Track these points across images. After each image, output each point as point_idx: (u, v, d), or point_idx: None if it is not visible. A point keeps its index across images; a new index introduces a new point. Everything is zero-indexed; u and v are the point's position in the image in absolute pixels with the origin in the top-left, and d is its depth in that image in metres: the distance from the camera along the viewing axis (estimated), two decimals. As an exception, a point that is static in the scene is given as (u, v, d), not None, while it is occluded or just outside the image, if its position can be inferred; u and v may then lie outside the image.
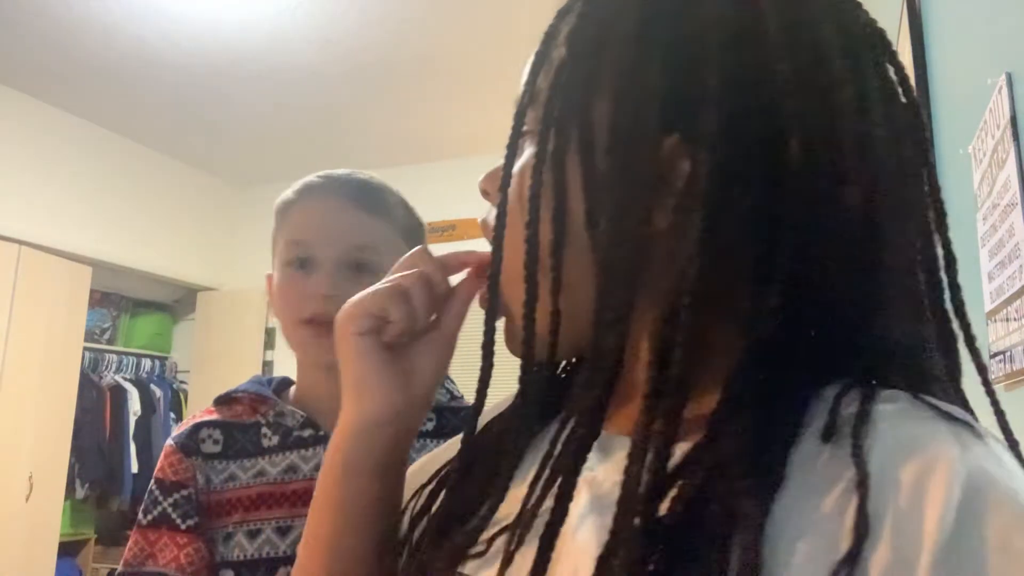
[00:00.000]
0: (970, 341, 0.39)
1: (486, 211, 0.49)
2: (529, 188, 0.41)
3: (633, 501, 0.33)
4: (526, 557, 0.36)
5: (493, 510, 0.41)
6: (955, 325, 0.39)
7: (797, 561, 0.30)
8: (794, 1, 0.38)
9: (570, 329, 0.41)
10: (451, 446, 0.54)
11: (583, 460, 0.37)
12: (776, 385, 0.34)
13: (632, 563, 0.32)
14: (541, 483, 0.38)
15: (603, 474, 0.40)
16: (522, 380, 0.45)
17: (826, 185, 0.36)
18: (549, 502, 0.37)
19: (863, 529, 0.29)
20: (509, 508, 0.40)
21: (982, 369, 0.39)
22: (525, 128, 0.44)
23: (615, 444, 0.41)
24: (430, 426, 0.87)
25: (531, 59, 0.45)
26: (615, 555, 0.32)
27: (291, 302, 0.84)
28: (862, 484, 0.30)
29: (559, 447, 0.38)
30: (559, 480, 0.37)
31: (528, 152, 0.43)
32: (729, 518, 0.31)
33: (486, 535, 0.40)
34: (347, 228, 0.85)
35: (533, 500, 0.38)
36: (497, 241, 0.43)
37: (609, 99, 0.39)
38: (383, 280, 0.50)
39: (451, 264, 0.51)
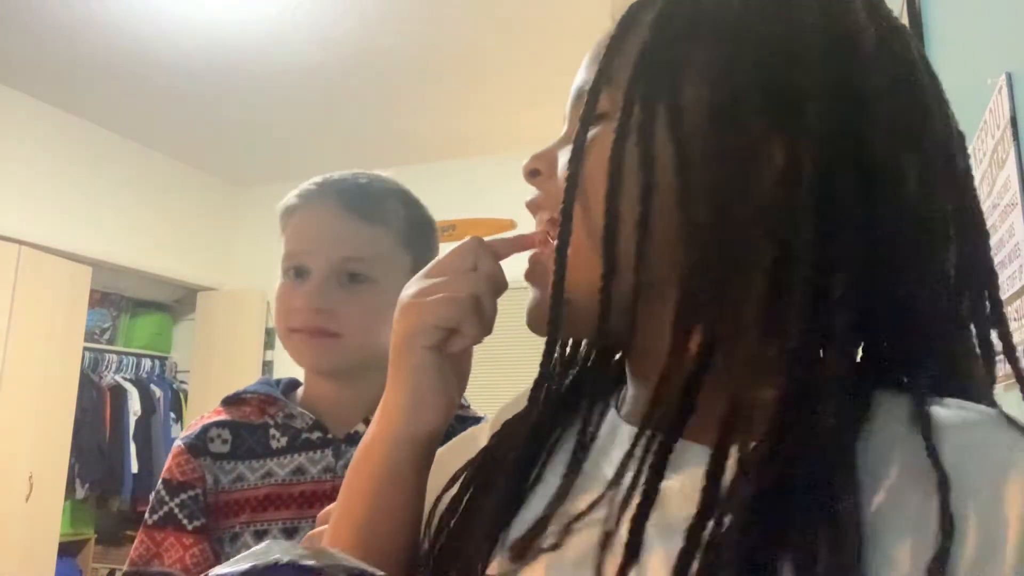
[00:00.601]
0: (1010, 351, 0.41)
1: (533, 194, 0.49)
2: (610, 161, 0.41)
3: (714, 505, 0.34)
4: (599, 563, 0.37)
5: (556, 503, 0.41)
6: (994, 335, 0.41)
7: (892, 555, 0.32)
8: (885, 19, 0.42)
9: (624, 308, 0.41)
10: (454, 448, 0.53)
11: (664, 467, 0.38)
12: (840, 382, 0.35)
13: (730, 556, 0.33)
14: (623, 490, 0.38)
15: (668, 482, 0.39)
16: (541, 380, 0.46)
17: (913, 189, 0.38)
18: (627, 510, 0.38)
19: (949, 527, 0.31)
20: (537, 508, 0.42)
21: (1022, 379, 0.40)
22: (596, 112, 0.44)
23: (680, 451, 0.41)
24: None
25: (603, 44, 0.45)
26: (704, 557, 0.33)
27: (282, 311, 0.85)
28: (943, 484, 0.32)
29: (639, 452, 0.39)
30: (641, 486, 0.37)
31: (600, 129, 0.43)
32: (824, 512, 0.32)
33: (552, 536, 0.40)
34: (338, 238, 0.84)
35: (616, 507, 0.38)
36: (567, 216, 0.42)
37: (703, 84, 0.40)
38: (440, 279, 0.47)
39: (503, 254, 0.49)
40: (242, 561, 0.30)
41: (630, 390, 0.47)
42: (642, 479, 0.38)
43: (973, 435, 0.35)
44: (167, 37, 3.19)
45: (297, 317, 0.83)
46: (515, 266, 0.49)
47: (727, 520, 0.34)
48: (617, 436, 0.45)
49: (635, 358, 0.47)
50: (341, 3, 2.94)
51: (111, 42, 3.23)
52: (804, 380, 0.35)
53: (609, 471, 0.41)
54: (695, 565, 0.34)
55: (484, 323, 0.46)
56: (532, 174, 0.47)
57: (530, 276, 0.47)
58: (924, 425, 0.35)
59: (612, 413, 0.47)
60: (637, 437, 0.39)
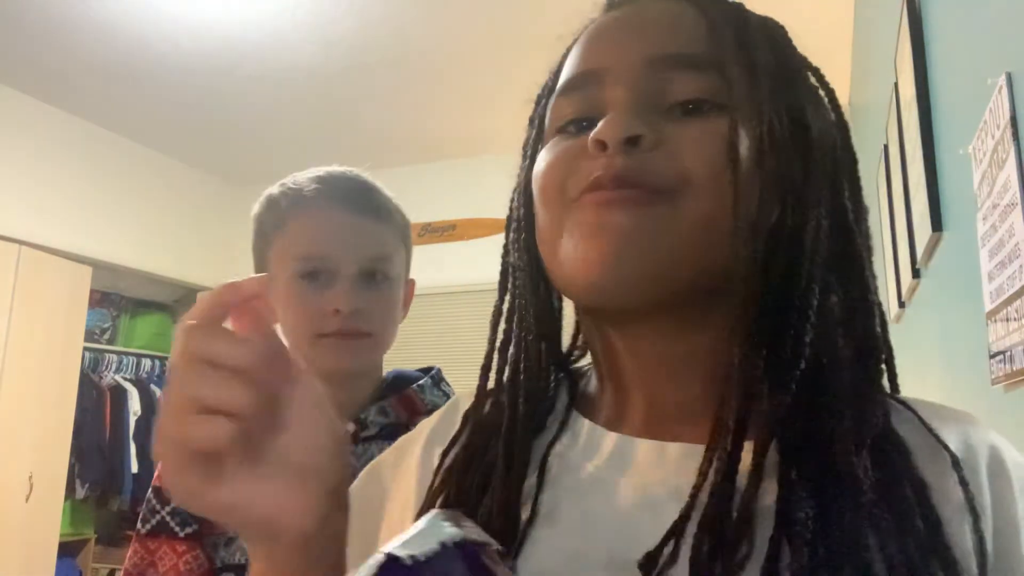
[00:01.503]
0: (890, 357, 0.47)
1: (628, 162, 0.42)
2: (759, 154, 0.42)
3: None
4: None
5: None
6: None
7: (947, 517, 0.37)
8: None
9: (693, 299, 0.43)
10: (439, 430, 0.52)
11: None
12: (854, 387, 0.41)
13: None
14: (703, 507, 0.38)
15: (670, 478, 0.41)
16: (524, 380, 0.46)
17: (858, 215, 0.46)
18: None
19: (971, 496, 0.37)
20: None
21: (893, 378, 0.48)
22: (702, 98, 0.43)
23: (669, 451, 0.42)
24: None
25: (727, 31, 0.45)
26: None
27: (310, 317, 0.82)
28: (956, 464, 0.38)
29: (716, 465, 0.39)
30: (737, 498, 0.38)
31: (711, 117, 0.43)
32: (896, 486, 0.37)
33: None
34: (362, 240, 0.84)
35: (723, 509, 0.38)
36: (740, 187, 0.41)
37: (817, 119, 0.46)
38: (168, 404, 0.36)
39: (218, 314, 0.38)
40: (420, 539, 0.29)
41: (608, 397, 0.47)
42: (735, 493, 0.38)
43: (959, 425, 0.42)
44: (167, 37, 3.19)
45: (330, 321, 0.82)
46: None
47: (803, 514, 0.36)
48: (602, 446, 0.44)
49: (633, 362, 0.45)
50: (341, 3, 2.94)
51: (111, 42, 3.23)
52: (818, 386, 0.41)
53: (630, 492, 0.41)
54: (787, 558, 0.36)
55: (219, 419, 0.35)
56: (632, 142, 0.40)
57: (632, 214, 0.40)
58: (919, 415, 0.42)
59: (586, 423, 0.46)
60: (711, 451, 0.39)
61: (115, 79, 3.56)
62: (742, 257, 0.40)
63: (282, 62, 3.38)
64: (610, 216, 0.40)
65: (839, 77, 3.44)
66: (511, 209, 0.51)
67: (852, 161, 0.47)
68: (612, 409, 0.47)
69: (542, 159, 0.45)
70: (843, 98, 4.02)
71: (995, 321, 0.92)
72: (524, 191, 0.49)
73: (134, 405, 4.37)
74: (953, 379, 1.34)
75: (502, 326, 0.50)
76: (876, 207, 2.51)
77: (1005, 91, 0.85)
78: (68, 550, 3.97)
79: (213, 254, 4.84)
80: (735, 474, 0.37)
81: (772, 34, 0.47)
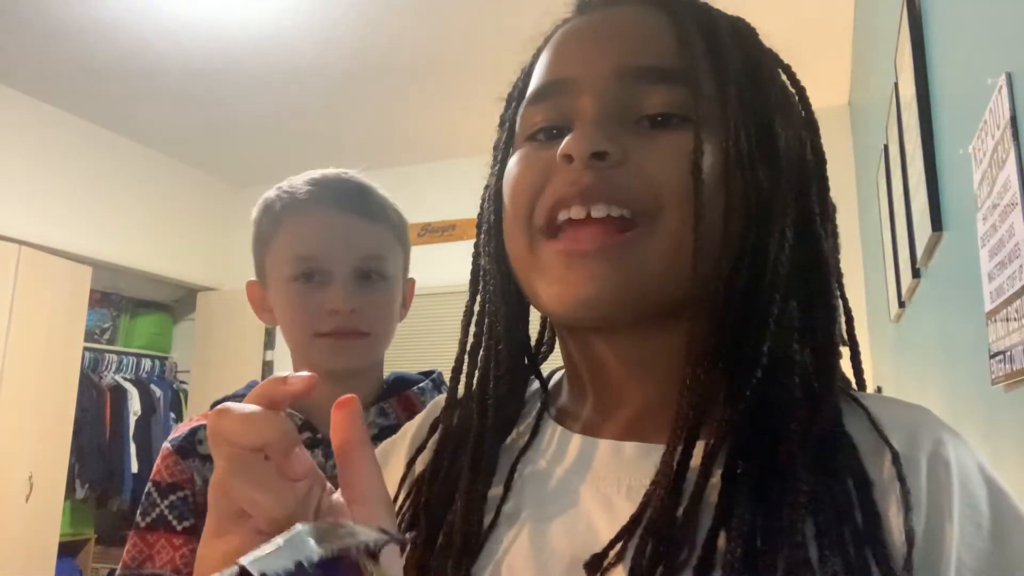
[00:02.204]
0: (855, 354, 0.49)
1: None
2: (731, 170, 0.43)
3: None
4: None
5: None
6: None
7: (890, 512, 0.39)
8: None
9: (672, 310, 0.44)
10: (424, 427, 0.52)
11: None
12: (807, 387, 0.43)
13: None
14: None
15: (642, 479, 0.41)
16: (496, 386, 0.47)
17: (824, 216, 0.47)
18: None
19: (906, 491, 0.38)
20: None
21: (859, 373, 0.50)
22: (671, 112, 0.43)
23: (643, 452, 0.42)
24: None
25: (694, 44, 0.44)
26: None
27: (307, 317, 0.84)
28: (896, 460, 0.39)
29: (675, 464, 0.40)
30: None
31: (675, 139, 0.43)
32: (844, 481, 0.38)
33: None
34: (356, 240, 0.85)
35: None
36: (700, 204, 0.41)
37: (786, 128, 0.46)
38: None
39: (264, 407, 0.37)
40: (276, 556, 0.28)
41: (580, 400, 0.48)
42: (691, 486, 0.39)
43: (906, 418, 0.43)
44: (167, 37, 3.19)
45: (327, 321, 0.83)
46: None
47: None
48: (568, 449, 0.45)
49: (605, 365, 0.46)
50: (341, 3, 2.94)
51: (111, 42, 3.23)
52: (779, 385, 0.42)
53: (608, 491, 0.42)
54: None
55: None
56: (598, 156, 0.41)
57: (602, 257, 0.41)
58: (869, 411, 0.42)
59: (558, 428, 0.47)
60: (675, 449, 0.40)
61: (115, 79, 3.56)
62: (702, 274, 0.41)
63: (282, 62, 3.38)
64: (582, 267, 0.41)
65: (839, 77, 3.44)
66: (482, 209, 0.52)
67: (821, 162, 0.48)
68: (585, 412, 0.47)
69: (513, 168, 0.46)
70: (843, 98, 3.99)
71: (995, 321, 0.92)
72: (495, 196, 0.49)
73: (134, 405, 4.37)
74: (953, 379, 1.34)
75: (472, 328, 0.50)
76: (876, 207, 2.50)
77: (1005, 91, 0.85)
78: (68, 550, 3.97)
79: (213, 254, 4.84)
80: (683, 477, 0.38)
81: (742, 38, 0.47)
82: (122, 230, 4.23)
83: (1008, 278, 0.86)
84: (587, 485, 0.42)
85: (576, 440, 0.45)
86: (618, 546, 0.38)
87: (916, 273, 1.70)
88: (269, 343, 4.53)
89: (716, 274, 0.41)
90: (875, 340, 3.09)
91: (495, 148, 0.52)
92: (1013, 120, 0.83)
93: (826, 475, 0.38)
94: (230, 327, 4.56)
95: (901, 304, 2.01)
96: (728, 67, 0.44)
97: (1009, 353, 0.86)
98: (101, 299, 4.62)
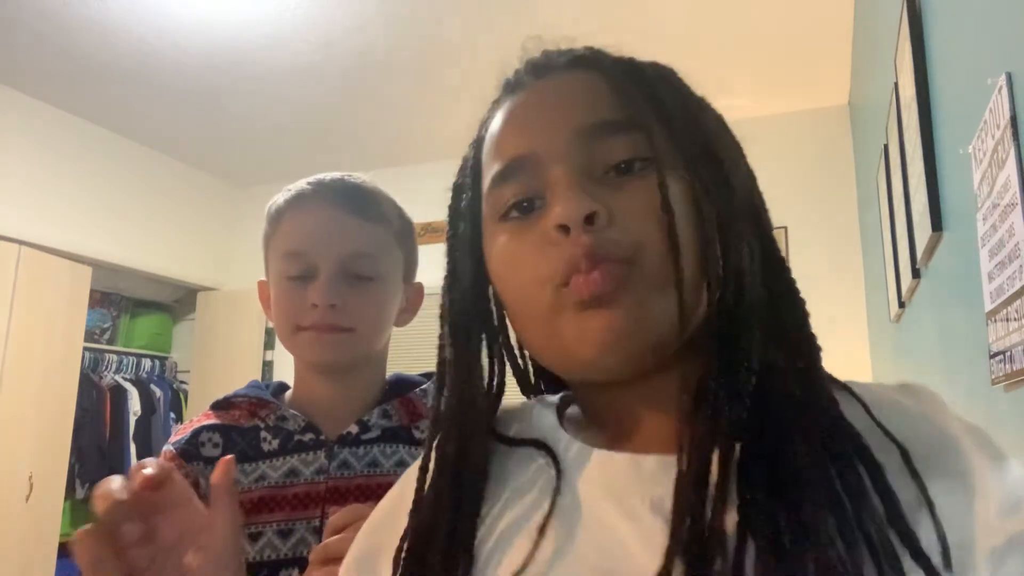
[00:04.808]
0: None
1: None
2: (701, 205, 0.45)
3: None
4: None
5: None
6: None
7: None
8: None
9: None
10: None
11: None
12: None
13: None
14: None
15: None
16: (485, 408, 0.49)
17: (763, 211, 0.49)
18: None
19: (923, 486, 0.40)
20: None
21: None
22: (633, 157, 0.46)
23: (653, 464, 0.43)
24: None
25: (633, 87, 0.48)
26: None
27: (290, 312, 0.84)
28: (907, 458, 0.41)
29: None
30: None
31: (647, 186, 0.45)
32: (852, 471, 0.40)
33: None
34: (344, 237, 0.85)
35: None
36: (677, 251, 0.43)
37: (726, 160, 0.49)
38: None
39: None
40: None
41: (608, 425, 0.49)
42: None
43: (901, 406, 0.45)
44: (167, 37, 3.19)
45: (308, 315, 0.83)
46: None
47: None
48: (587, 465, 0.46)
49: (617, 402, 0.47)
50: (341, 3, 2.95)
51: (111, 42, 3.23)
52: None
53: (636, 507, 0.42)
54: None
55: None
56: (590, 220, 0.43)
57: (601, 300, 0.43)
58: (866, 405, 0.44)
59: (578, 443, 0.48)
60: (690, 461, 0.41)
61: (115, 79, 3.56)
62: (691, 303, 0.43)
63: (282, 62, 3.38)
64: (598, 314, 0.43)
65: (839, 77, 3.44)
66: (446, 311, 0.52)
67: (750, 171, 0.51)
68: (601, 433, 0.48)
69: (507, 254, 0.47)
70: (843, 98, 3.99)
71: (995, 321, 0.92)
72: (474, 286, 0.51)
73: (134, 405, 4.37)
74: (953, 379, 1.34)
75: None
76: (876, 207, 2.51)
77: (1005, 91, 0.85)
78: (68, 550, 3.97)
79: (213, 254, 4.85)
80: (705, 491, 0.39)
81: (667, 78, 0.50)
82: (122, 230, 4.23)
83: (1008, 278, 0.86)
84: (610, 499, 0.42)
85: (596, 455, 0.46)
86: (663, 564, 0.38)
87: (916, 273, 1.70)
88: (269, 343, 4.53)
89: (704, 298, 0.44)
90: (875, 340, 3.09)
91: (452, 244, 0.53)
92: (1013, 120, 0.83)
93: (836, 465, 0.39)
94: (230, 327, 4.56)
95: (901, 304, 2.01)
96: (666, 105, 0.47)
97: (1009, 353, 0.86)
98: (101, 299, 4.62)
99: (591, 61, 0.49)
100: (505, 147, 0.48)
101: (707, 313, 0.44)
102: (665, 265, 0.43)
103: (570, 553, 0.41)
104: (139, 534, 0.48)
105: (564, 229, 0.43)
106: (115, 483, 0.50)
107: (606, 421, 0.49)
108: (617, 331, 0.42)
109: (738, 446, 0.41)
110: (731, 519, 0.38)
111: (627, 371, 0.44)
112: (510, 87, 0.52)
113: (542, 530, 0.42)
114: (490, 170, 0.48)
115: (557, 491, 0.44)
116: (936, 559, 0.37)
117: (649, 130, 0.45)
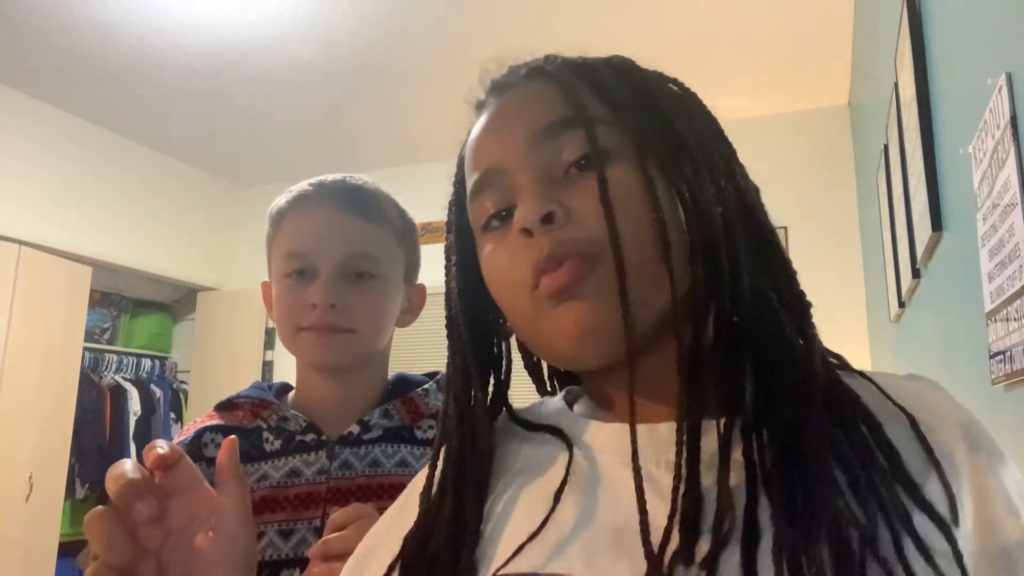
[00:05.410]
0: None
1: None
2: (649, 193, 0.46)
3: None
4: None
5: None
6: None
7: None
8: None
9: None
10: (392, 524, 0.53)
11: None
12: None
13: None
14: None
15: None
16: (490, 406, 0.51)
17: (743, 174, 0.50)
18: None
19: (931, 451, 0.42)
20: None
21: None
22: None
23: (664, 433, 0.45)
24: (431, 434, 0.87)
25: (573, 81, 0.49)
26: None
27: (290, 312, 0.84)
28: (914, 424, 0.42)
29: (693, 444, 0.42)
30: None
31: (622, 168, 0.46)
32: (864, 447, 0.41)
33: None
34: (344, 237, 0.85)
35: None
36: (617, 244, 0.44)
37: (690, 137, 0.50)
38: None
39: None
40: None
41: (616, 405, 0.50)
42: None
43: (912, 388, 0.46)
44: (167, 37, 3.19)
45: (309, 315, 0.83)
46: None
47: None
48: (599, 441, 0.47)
49: (619, 383, 0.48)
50: (341, 3, 2.95)
51: (111, 42, 3.23)
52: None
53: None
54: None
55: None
56: (547, 219, 0.45)
57: (568, 292, 0.45)
58: (876, 383, 0.45)
59: (591, 421, 0.49)
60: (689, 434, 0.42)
61: (115, 79, 3.56)
62: (642, 291, 0.44)
63: (282, 62, 3.38)
64: (569, 307, 0.45)
65: (839, 77, 3.45)
66: (451, 311, 0.54)
67: (722, 132, 0.52)
68: (612, 412, 0.50)
69: (492, 261, 0.49)
70: (843, 98, 3.99)
71: (995, 321, 0.92)
72: (460, 295, 0.53)
73: (134, 405, 4.37)
74: (953, 379, 1.34)
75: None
76: (876, 207, 2.51)
77: (1005, 91, 0.85)
78: (68, 550, 3.97)
79: (213, 254, 4.85)
80: (698, 460, 0.41)
81: (621, 69, 0.52)
82: (122, 230, 4.23)
83: (1008, 278, 0.86)
84: (626, 465, 0.44)
85: (609, 427, 0.48)
86: (667, 522, 0.39)
87: (916, 273, 1.70)
88: (269, 343, 4.53)
89: (666, 282, 0.45)
90: (875, 340, 3.09)
91: (447, 250, 0.55)
92: (1013, 120, 0.83)
93: (837, 424, 0.41)
94: (230, 327, 4.57)
95: (901, 304, 2.01)
96: (615, 94, 0.48)
97: (1009, 353, 0.86)
98: (101, 299, 4.62)
99: (544, 68, 0.51)
100: (476, 162, 0.50)
101: (690, 290, 0.45)
102: (640, 253, 0.44)
103: (592, 516, 0.43)
104: (152, 512, 0.49)
105: (527, 232, 0.45)
106: (127, 464, 0.50)
107: (614, 402, 0.50)
108: (584, 323, 0.44)
109: (741, 412, 0.42)
110: (737, 480, 0.40)
111: (608, 359, 0.45)
112: (480, 106, 0.55)
113: (557, 496, 0.44)
114: (469, 184, 0.51)
115: (570, 462, 0.46)
116: (943, 511, 0.39)
117: (591, 124, 0.46)
